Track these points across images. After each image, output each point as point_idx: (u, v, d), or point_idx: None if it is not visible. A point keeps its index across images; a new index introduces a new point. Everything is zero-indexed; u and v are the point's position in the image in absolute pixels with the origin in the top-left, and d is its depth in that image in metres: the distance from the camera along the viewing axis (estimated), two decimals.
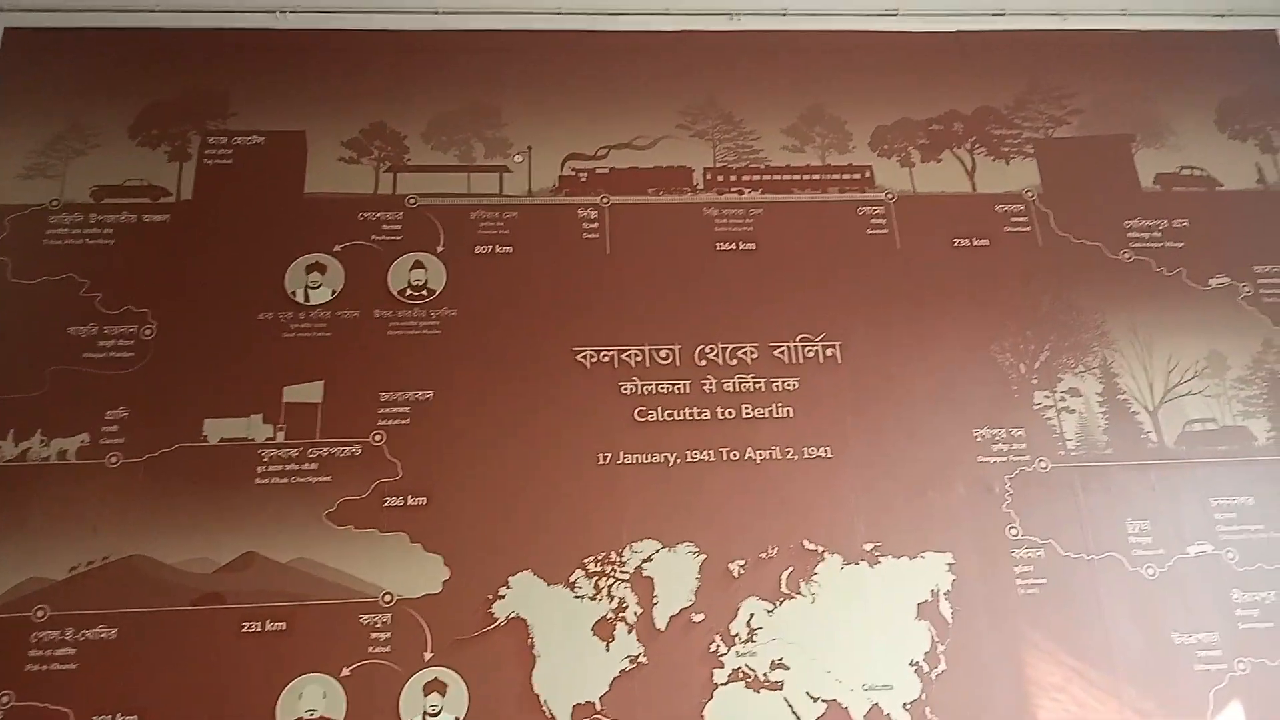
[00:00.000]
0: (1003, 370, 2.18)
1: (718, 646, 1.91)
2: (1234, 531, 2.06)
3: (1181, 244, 2.32)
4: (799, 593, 1.96)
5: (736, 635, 1.92)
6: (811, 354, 2.16)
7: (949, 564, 1.99)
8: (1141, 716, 1.91)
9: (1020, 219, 2.32)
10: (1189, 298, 2.27)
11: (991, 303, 2.24)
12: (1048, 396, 2.16)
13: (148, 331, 2.05)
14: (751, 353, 2.15)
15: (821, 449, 2.08)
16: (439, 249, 2.17)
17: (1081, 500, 2.06)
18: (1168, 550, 2.03)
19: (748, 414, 2.10)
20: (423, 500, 1.96)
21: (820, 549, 1.99)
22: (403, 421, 2.03)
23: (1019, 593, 1.98)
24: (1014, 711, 1.90)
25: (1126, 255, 2.30)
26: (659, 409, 2.09)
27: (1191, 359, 2.21)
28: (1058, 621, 1.96)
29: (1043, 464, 2.09)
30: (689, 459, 2.05)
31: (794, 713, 1.87)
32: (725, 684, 1.88)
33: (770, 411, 2.10)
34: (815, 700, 1.88)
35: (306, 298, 2.10)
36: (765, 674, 1.89)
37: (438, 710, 1.82)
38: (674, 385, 2.11)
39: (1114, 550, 2.02)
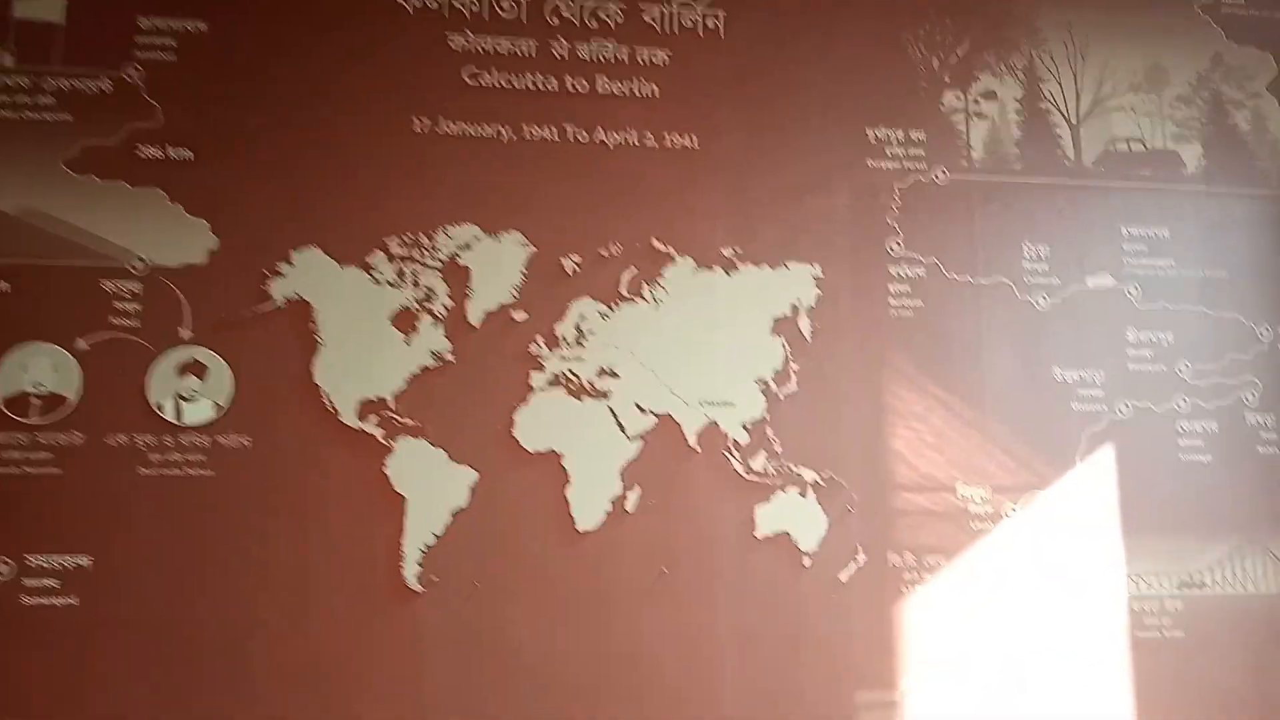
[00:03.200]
0: (912, 62, 1.97)
1: (539, 349, 1.75)
2: (1141, 265, 1.95)
3: None
4: (640, 296, 1.81)
5: (563, 338, 1.77)
6: (689, 23, 1.92)
7: (816, 277, 1.86)
8: (1004, 451, 1.84)
9: None
10: None
11: None
12: (959, 98, 1.97)
13: None
14: (616, 13, 1.89)
15: (687, 137, 1.87)
16: None
17: (977, 218, 1.92)
18: (1064, 280, 1.92)
19: (604, 89, 1.87)
20: (188, 154, 1.72)
21: (671, 250, 1.82)
22: (167, 56, 1.75)
23: (890, 314, 1.87)
24: (864, 437, 1.82)
25: None
26: (494, 71, 1.85)
27: (1129, 70, 2.03)
28: (929, 348, 1.86)
29: (940, 174, 1.92)
30: (527, 135, 1.83)
31: (619, 423, 1.75)
32: (543, 389, 1.74)
33: (632, 88, 1.88)
34: (644, 412, 1.76)
35: None
36: (591, 381, 1.76)
37: (195, 395, 1.64)
38: (516, 45, 1.86)
39: (1005, 275, 1.90)
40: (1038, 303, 1.90)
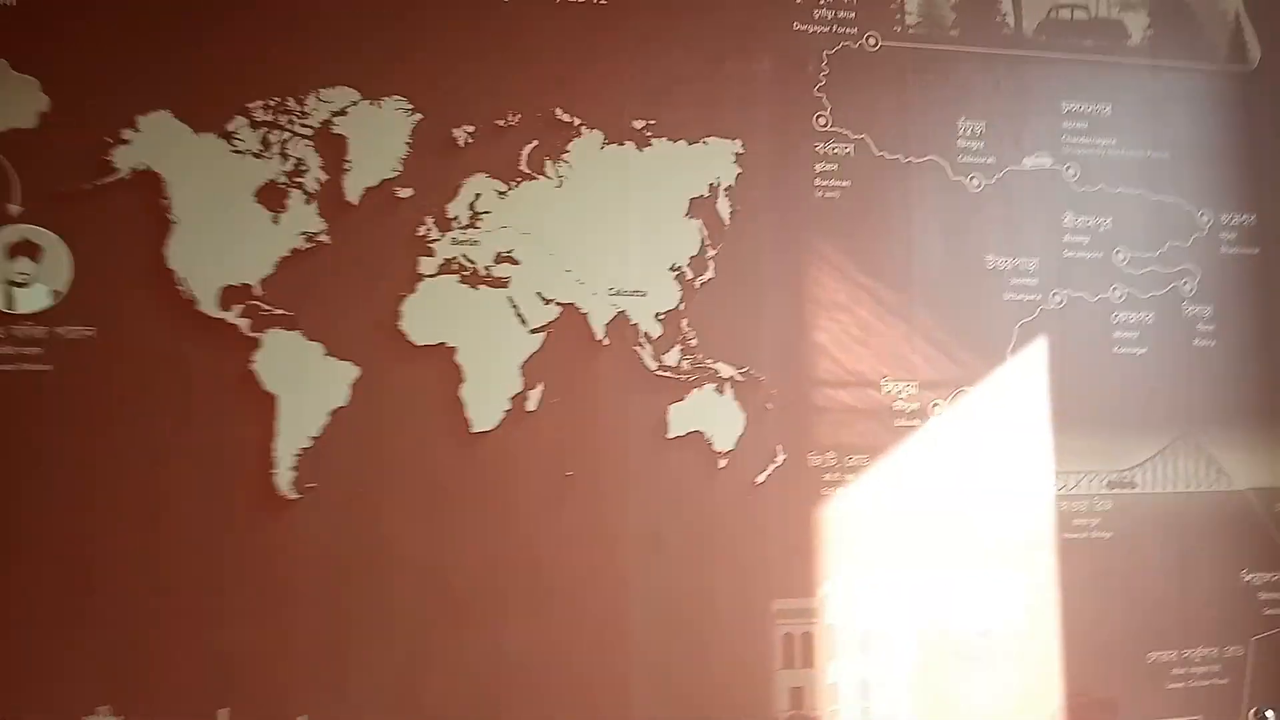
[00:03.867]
0: None
1: (429, 230, 1.58)
2: (1081, 144, 1.85)
3: None
4: (543, 173, 1.65)
5: (455, 219, 1.61)
6: None
7: (736, 154, 1.72)
8: (932, 344, 1.75)
9: None
10: None
11: None
12: None
13: None
14: None
15: None
16: None
17: (911, 91, 1.79)
18: (1000, 159, 1.81)
19: None
20: None
21: (577, 121, 1.66)
22: None
23: (815, 195, 1.74)
24: (785, 329, 1.71)
25: None
26: None
27: None
28: (856, 232, 1.74)
29: (872, 40, 1.78)
30: None
31: (519, 314, 1.61)
32: (434, 276, 1.58)
33: None
34: (547, 303, 1.62)
35: None
36: (488, 268, 1.61)
37: (28, 279, 1.45)
38: None
39: (938, 154, 1.78)
40: (971, 184, 1.79)
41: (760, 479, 1.67)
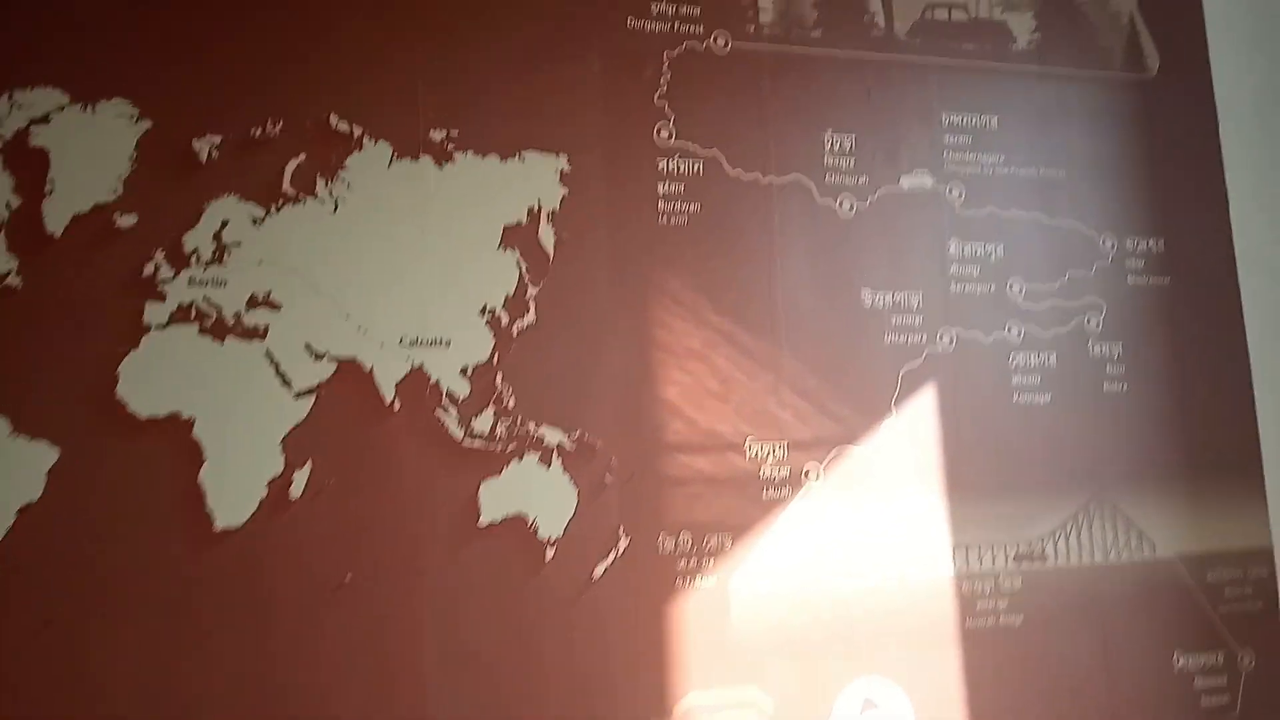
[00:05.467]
0: None
1: (158, 268, 1.24)
2: (965, 161, 1.63)
3: None
4: (313, 194, 1.33)
5: (195, 253, 1.28)
6: None
7: (561, 171, 1.43)
8: (803, 397, 1.47)
9: None
10: None
11: None
12: None
13: None
14: None
15: None
16: None
17: (768, 100, 1.54)
18: (874, 179, 1.57)
19: None
20: None
21: (358, 131, 1.36)
22: None
23: (659, 221, 1.47)
24: (626, 383, 1.43)
25: None
26: None
27: None
28: (708, 265, 1.48)
29: (721, 41, 1.53)
30: None
31: (280, 373, 1.29)
32: (164, 326, 1.25)
33: None
34: (319, 358, 1.30)
35: None
36: (239, 314, 1.29)
37: None
38: None
39: (802, 172, 1.54)
40: (842, 207, 1.53)
41: (598, 572, 1.37)
